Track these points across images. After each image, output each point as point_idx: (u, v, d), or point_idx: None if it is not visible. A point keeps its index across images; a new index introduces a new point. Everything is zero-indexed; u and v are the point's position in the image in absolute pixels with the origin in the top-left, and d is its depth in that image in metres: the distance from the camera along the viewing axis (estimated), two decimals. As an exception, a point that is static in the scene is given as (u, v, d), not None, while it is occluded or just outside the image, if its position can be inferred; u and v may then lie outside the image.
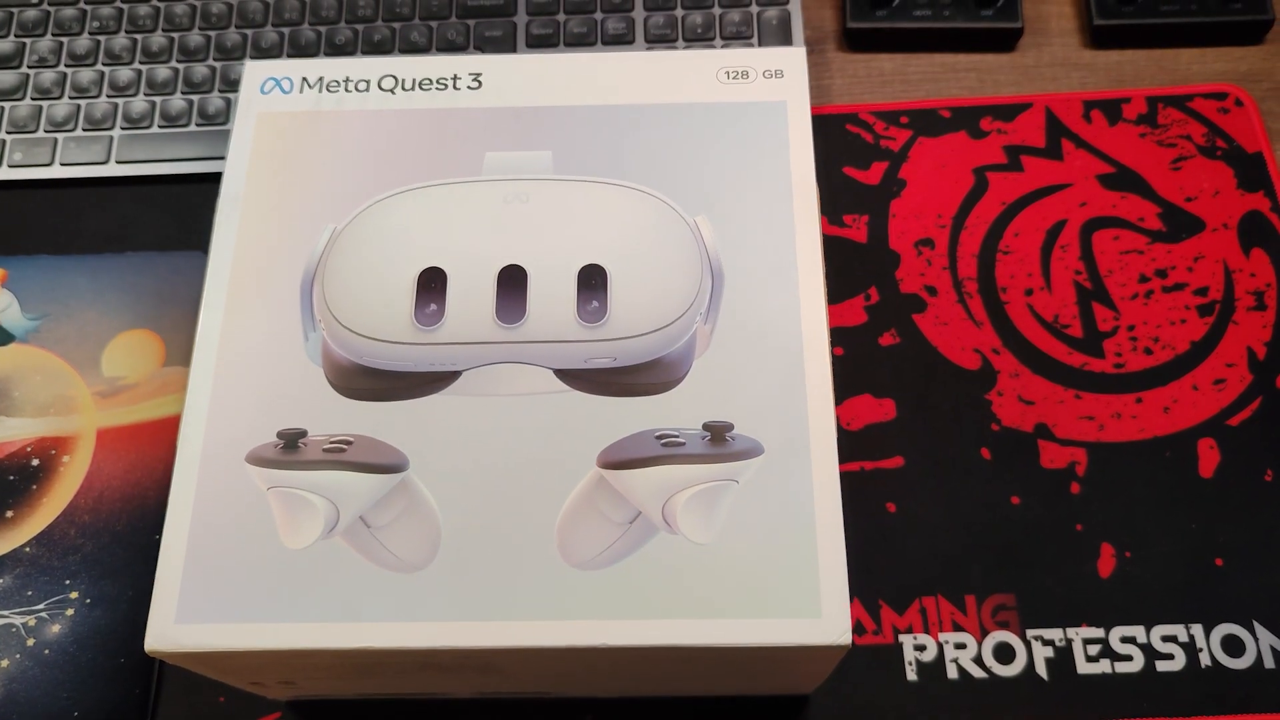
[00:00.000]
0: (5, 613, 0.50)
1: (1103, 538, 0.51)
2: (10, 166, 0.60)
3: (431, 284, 0.41)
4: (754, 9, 0.62)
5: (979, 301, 0.56)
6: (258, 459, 0.39)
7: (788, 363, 0.40)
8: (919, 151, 0.60)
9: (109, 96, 0.61)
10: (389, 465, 0.39)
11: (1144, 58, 0.62)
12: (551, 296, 0.41)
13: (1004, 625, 0.49)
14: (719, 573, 0.37)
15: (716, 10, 0.62)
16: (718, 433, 0.39)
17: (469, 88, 0.45)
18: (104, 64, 0.62)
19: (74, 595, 0.50)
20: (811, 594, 0.37)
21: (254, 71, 0.46)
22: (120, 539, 0.52)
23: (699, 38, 0.61)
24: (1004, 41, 0.63)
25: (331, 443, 0.39)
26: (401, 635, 0.37)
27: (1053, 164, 0.59)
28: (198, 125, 0.60)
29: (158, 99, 0.61)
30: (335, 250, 0.42)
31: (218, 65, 0.62)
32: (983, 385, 0.54)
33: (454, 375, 0.40)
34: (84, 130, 0.61)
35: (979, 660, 0.49)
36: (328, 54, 0.61)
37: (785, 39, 0.61)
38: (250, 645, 0.37)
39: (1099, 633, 0.49)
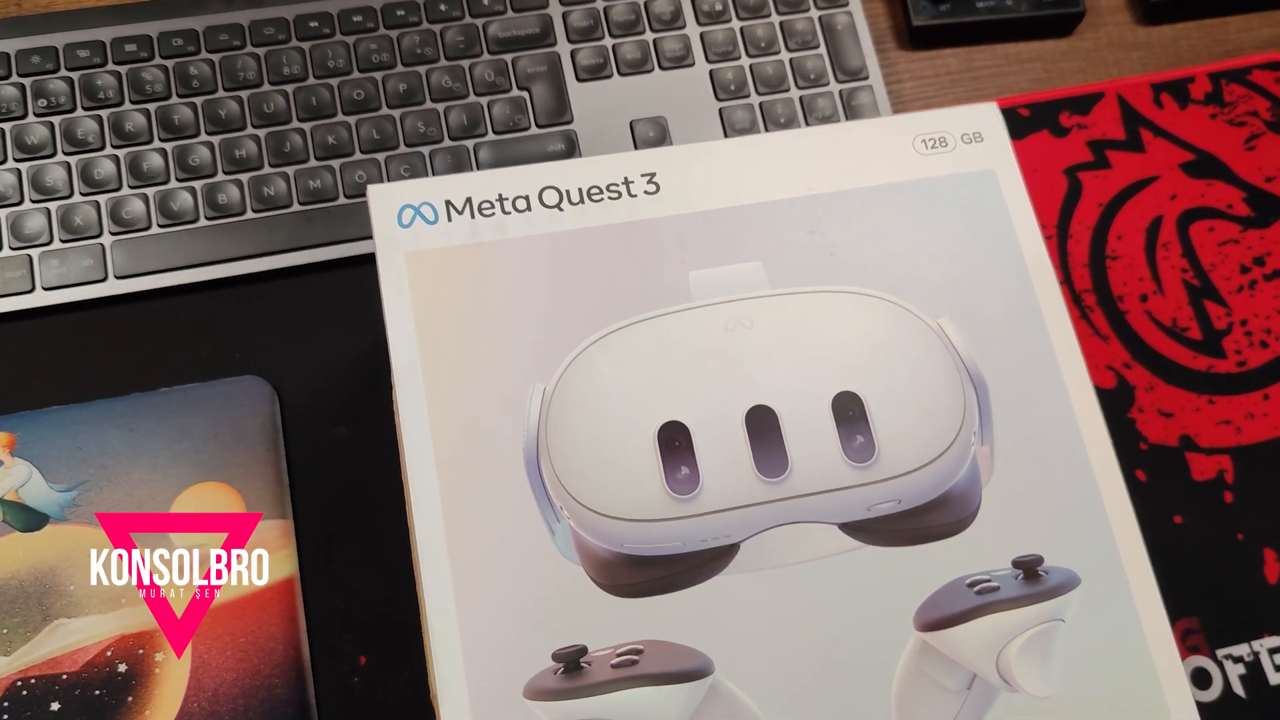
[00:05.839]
0: None
1: (1263, 543, 0.52)
2: (-20, 300, 0.48)
3: (674, 442, 0.36)
4: (814, 13, 0.56)
5: (1101, 315, 0.55)
6: (541, 691, 0.33)
7: (1076, 475, 0.37)
8: (1008, 157, 0.57)
9: (84, 195, 0.50)
10: (693, 670, 0.34)
11: (1195, 30, 0.61)
12: (811, 437, 0.36)
13: (1195, 650, 0.50)
14: (1069, 724, 0.35)
15: (776, 19, 0.56)
16: (1029, 569, 0.36)
17: (645, 192, 0.39)
18: (66, 153, 0.50)
19: (220, 820, 0.43)
20: (1165, 728, 0.35)
21: (383, 199, 0.38)
22: (254, 740, 0.44)
23: (764, 52, 0.55)
24: (1063, 26, 0.60)
25: (619, 655, 0.34)
26: None
27: (1136, 157, 0.58)
28: (209, 219, 0.50)
29: (150, 191, 0.50)
30: (554, 417, 0.36)
31: (215, 140, 0.51)
32: (1123, 403, 0.53)
33: (733, 550, 0.36)
34: (63, 242, 0.49)
35: (1180, 690, 0.49)
36: (348, 111, 0.52)
37: (854, 43, 0.56)
38: None
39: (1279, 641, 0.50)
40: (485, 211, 0.38)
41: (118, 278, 0.49)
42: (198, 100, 0.52)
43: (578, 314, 0.37)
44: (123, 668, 0.45)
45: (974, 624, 0.35)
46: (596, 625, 0.34)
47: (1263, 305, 0.56)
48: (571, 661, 0.34)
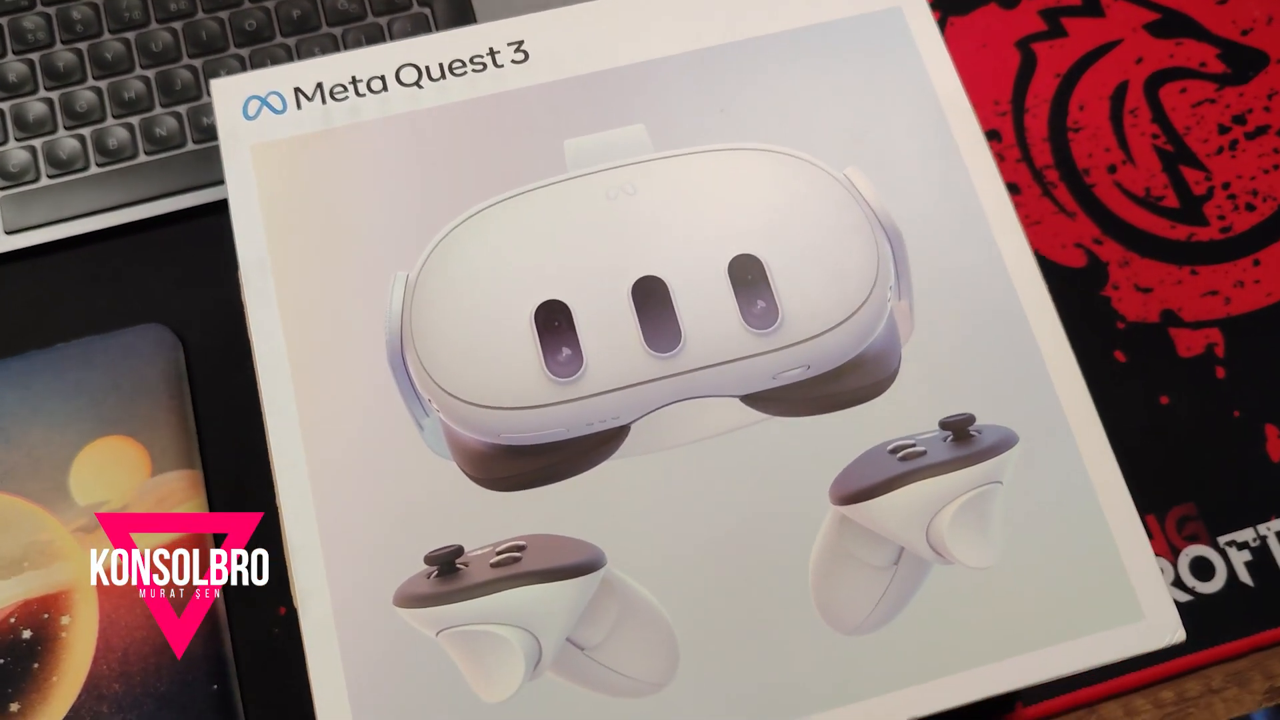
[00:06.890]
0: (56, 835, 0.39)
1: (1263, 419, 0.47)
2: None
3: (554, 322, 0.32)
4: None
5: (1065, 190, 0.50)
6: (412, 598, 0.30)
7: (1008, 324, 0.33)
8: (954, 34, 0.53)
9: (-30, 151, 0.48)
10: (581, 564, 0.31)
11: (1152, -115, 0.56)
12: (705, 306, 0.33)
13: (1193, 538, 0.45)
14: (1016, 598, 0.31)
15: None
16: (959, 429, 0.32)
17: (513, 62, 0.36)
18: (-50, 110, 0.48)
19: (134, 787, 0.40)
20: (1125, 595, 0.31)
21: (226, 92, 0.35)
22: (169, 701, 0.41)
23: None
24: (1005, -108, 0.56)
25: (499, 554, 0.31)
26: (667, 775, 0.29)
27: (1095, 21, 0.53)
28: (100, 166, 0.48)
29: (37, 142, 0.48)
30: (419, 304, 0.33)
31: (102, 84, 0.49)
32: (1095, 282, 0.49)
33: (622, 433, 0.32)
34: (-50, 200, 0.47)
35: (1179, 583, 0.45)
36: (240, 43, 0.49)
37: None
38: (479, 840, 0.29)
39: (1289, 521, 0.45)
40: (338, 96, 0.35)
41: (8, 233, 0.47)
42: (82, 45, 0.49)
43: (443, 196, 0.34)
44: (27, 634, 0.42)
45: (899, 493, 0.31)
46: (473, 523, 0.31)
47: (1246, 165, 0.51)
48: (446, 563, 0.30)
